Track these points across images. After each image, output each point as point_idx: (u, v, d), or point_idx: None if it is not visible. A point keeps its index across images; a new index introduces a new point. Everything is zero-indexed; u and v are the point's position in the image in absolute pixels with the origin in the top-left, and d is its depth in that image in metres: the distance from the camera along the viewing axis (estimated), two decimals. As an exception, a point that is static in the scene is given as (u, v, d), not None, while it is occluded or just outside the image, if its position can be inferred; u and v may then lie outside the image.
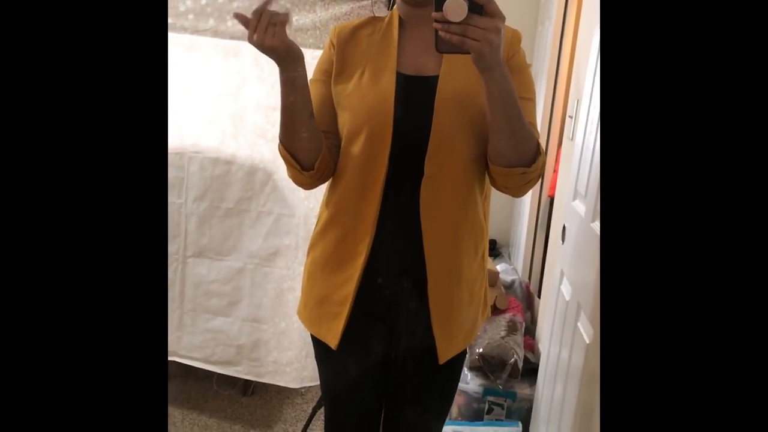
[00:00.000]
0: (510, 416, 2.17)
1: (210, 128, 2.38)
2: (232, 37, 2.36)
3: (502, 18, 0.92)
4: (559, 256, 1.93)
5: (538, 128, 1.35)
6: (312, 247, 1.31)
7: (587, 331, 1.45)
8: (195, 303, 2.41)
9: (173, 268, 2.39)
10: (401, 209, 1.18)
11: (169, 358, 2.42)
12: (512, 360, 2.16)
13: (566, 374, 1.62)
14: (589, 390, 1.35)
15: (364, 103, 1.17)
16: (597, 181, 1.44)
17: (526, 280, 3.03)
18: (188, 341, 2.42)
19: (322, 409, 2.11)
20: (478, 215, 1.22)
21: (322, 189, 1.32)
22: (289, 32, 1.08)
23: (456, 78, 1.15)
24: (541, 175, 1.17)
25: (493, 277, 2.64)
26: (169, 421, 2.35)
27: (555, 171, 2.77)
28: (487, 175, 1.20)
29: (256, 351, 2.38)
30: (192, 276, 2.40)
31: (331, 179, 1.27)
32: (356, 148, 1.18)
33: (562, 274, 1.81)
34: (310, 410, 2.25)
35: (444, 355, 1.23)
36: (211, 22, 2.36)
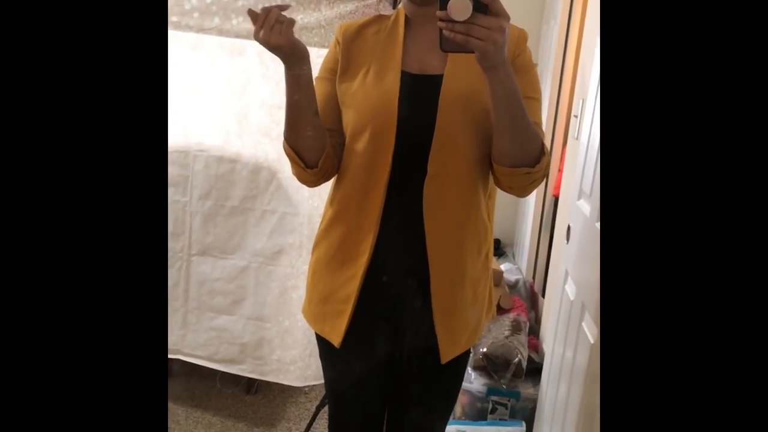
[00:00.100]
0: (514, 416, 2.17)
1: (215, 127, 2.38)
2: (237, 36, 2.36)
3: (507, 17, 0.92)
4: (563, 255, 1.92)
5: (543, 127, 1.35)
6: (316, 245, 1.31)
7: (591, 331, 1.45)
8: (199, 301, 2.41)
9: (177, 267, 2.39)
10: (404, 208, 1.18)
11: (173, 356, 2.43)
12: (516, 360, 2.15)
13: (570, 374, 1.62)
14: (593, 390, 1.35)
15: (369, 102, 1.17)
16: (602, 180, 1.43)
17: (531, 279, 3.03)
18: (192, 339, 2.42)
19: (326, 408, 2.11)
20: (481, 215, 1.22)
21: (327, 188, 1.32)
22: (294, 31, 1.08)
23: (461, 77, 1.15)
24: (546, 175, 1.16)
25: (497, 277, 2.64)
26: (173, 419, 2.36)
27: (560, 170, 2.76)
28: (491, 174, 1.20)
29: (260, 349, 2.38)
30: (196, 274, 2.40)
31: (335, 177, 1.27)
32: (360, 146, 1.18)
33: (566, 273, 1.80)
34: (313, 409, 2.25)
35: (446, 354, 1.23)
36: (216, 20, 2.36)
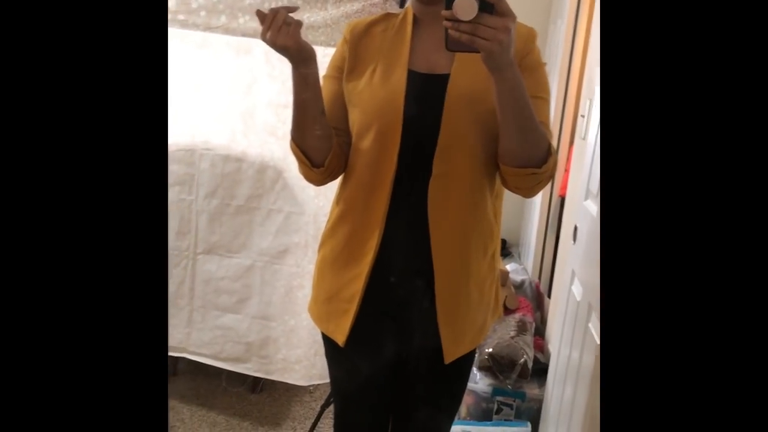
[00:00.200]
0: (519, 416, 2.16)
1: (221, 125, 2.39)
2: (244, 35, 2.36)
3: (513, 17, 0.91)
4: (570, 256, 1.92)
5: (551, 127, 1.34)
6: (322, 243, 1.31)
7: (598, 331, 1.44)
8: (205, 300, 2.41)
9: (183, 265, 2.40)
10: (410, 207, 1.18)
11: (179, 355, 2.43)
12: (522, 360, 2.15)
13: (576, 375, 1.61)
14: (600, 391, 1.34)
15: (375, 101, 1.17)
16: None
17: (536, 280, 3.02)
18: (198, 338, 2.43)
19: (331, 408, 2.11)
20: (487, 215, 1.22)
21: (333, 187, 1.32)
22: (301, 30, 1.09)
23: (467, 76, 1.15)
24: (553, 176, 1.16)
25: (503, 277, 2.63)
26: (178, 417, 2.36)
27: (566, 170, 2.76)
28: (498, 174, 1.20)
29: (266, 348, 2.38)
30: (202, 273, 2.40)
31: (342, 176, 1.27)
32: (366, 145, 1.18)
33: (573, 274, 1.80)
34: (318, 408, 2.25)
35: (450, 354, 1.22)
36: (223, 19, 2.36)
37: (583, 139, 2.10)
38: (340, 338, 1.25)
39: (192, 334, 2.43)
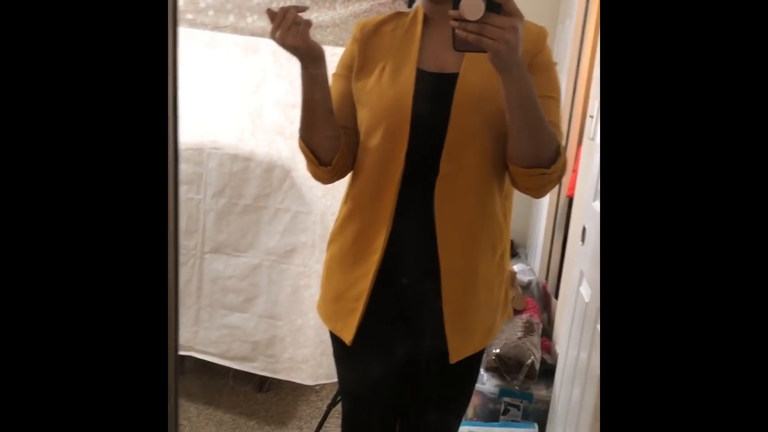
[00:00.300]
0: (526, 417, 2.16)
1: (229, 125, 2.39)
2: (252, 34, 2.36)
3: (520, 17, 0.91)
4: (578, 257, 1.91)
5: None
6: (331, 242, 1.31)
7: (607, 333, 1.43)
8: (212, 299, 2.42)
9: (191, 264, 2.40)
10: (417, 207, 1.18)
11: (186, 353, 2.43)
12: (529, 361, 2.14)
13: (584, 377, 1.60)
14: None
15: (383, 100, 1.17)
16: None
17: (544, 280, 3.01)
18: (205, 336, 2.43)
19: (337, 407, 2.11)
20: (496, 215, 1.21)
21: (340, 187, 1.32)
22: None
23: (477, 76, 1.14)
24: (563, 176, 1.15)
25: (510, 278, 2.62)
26: (185, 416, 2.37)
27: (574, 171, 2.75)
28: (507, 175, 1.19)
29: (272, 347, 2.38)
30: (209, 272, 2.41)
31: (351, 174, 1.27)
32: (374, 143, 1.18)
33: (581, 275, 1.79)
34: (324, 408, 2.24)
35: (456, 354, 1.22)
36: (231, 18, 2.36)
37: (592, 139, 2.09)
38: (347, 337, 1.25)
39: (199, 332, 2.43)
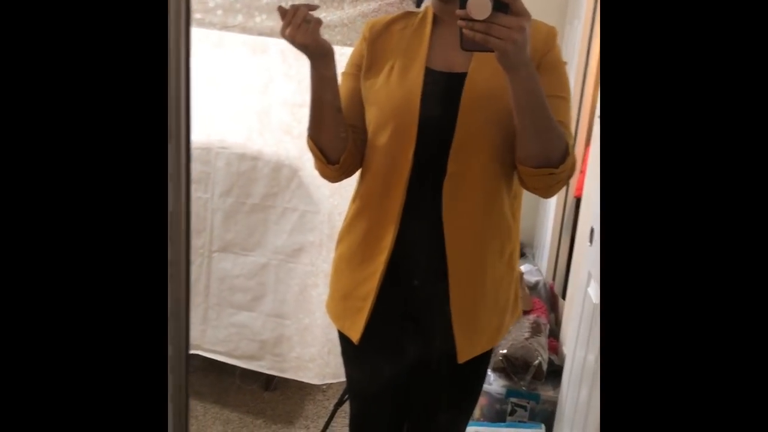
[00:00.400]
0: (533, 418, 2.16)
1: (237, 124, 2.40)
2: (260, 34, 2.36)
3: (528, 16, 0.91)
4: (586, 257, 1.90)
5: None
6: (339, 241, 1.32)
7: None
8: (219, 297, 2.42)
9: (198, 263, 2.41)
10: (425, 206, 1.18)
11: (193, 352, 2.44)
12: (536, 362, 2.14)
13: (592, 378, 1.60)
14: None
15: (391, 98, 1.17)
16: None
17: (551, 281, 3.00)
18: (212, 335, 2.44)
19: (344, 406, 2.11)
20: (504, 215, 1.21)
21: (348, 186, 1.33)
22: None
23: (485, 75, 1.14)
24: (572, 176, 1.15)
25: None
26: (192, 414, 2.37)
27: (582, 171, 2.74)
28: (516, 174, 1.19)
29: (279, 346, 2.39)
30: (217, 270, 2.41)
31: (359, 173, 1.27)
32: (382, 142, 1.18)
33: (589, 276, 1.78)
34: (331, 407, 2.25)
35: (464, 354, 1.22)
36: (240, 18, 2.37)
37: (600, 139, 2.08)
38: (355, 336, 1.25)
39: (207, 331, 2.44)
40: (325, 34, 1.09)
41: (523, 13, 0.91)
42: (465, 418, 1.39)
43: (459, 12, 0.90)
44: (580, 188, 2.72)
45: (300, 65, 2.28)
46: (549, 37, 1.17)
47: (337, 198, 2.33)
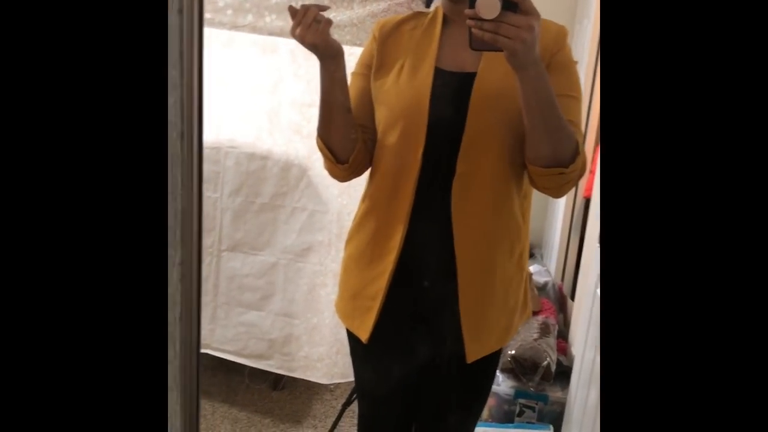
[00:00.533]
0: (541, 419, 2.15)
1: (246, 124, 2.40)
2: (270, 33, 2.37)
3: (537, 15, 0.91)
4: (595, 258, 1.90)
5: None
6: (349, 240, 1.32)
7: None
8: (228, 296, 2.43)
9: (207, 262, 2.42)
10: (434, 205, 1.18)
11: (202, 351, 2.43)
12: (545, 363, 2.13)
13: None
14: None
15: (401, 98, 1.17)
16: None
17: (560, 282, 2.99)
18: (221, 334, 2.45)
19: (352, 406, 2.11)
20: (514, 215, 1.21)
21: (356, 186, 1.33)
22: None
23: (495, 75, 1.14)
24: (582, 175, 1.15)
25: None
26: (200, 413, 2.38)
27: (591, 171, 2.73)
28: (526, 174, 1.19)
29: (288, 345, 2.39)
30: (226, 269, 2.42)
31: (369, 173, 1.27)
32: (391, 142, 1.19)
33: (599, 277, 1.78)
34: (339, 407, 2.25)
35: (473, 354, 1.22)
36: (250, 18, 2.37)
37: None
38: (364, 335, 1.25)
39: (216, 330, 2.45)
40: (335, 33, 1.09)
41: (532, 12, 0.91)
42: (474, 419, 1.39)
43: (468, 11, 0.91)
44: (589, 189, 2.71)
45: (309, 65, 2.28)
46: (559, 37, 1.16)
47: (346, 198, 2.33)
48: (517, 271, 1.25)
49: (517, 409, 2.15)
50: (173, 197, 0.61)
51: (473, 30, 0.91)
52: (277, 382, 2.59)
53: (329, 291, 2.33)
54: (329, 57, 1.12)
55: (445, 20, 1.22)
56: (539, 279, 2.88)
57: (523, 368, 2.15)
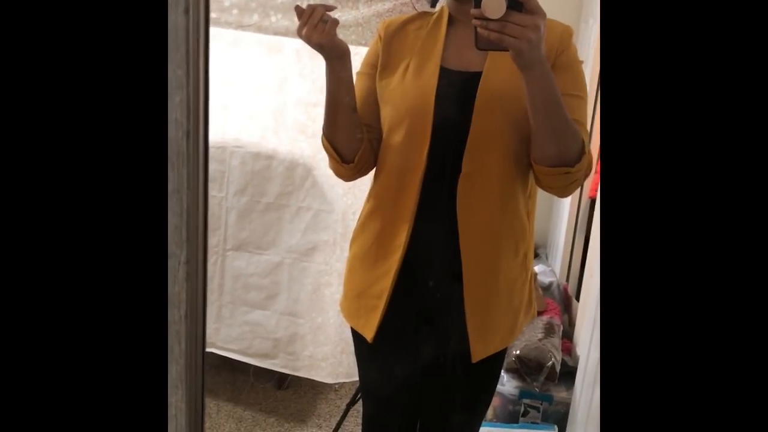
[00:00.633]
0: (546, 419, 2.15)
1: (252, 123, 2.41)
2: (276, 33, 2.37)
3: (543, 15, 0.91)
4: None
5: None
6: (353, 240, 1.32)
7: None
8: (234, 295, 2.44)
9: (213, 261, 2.42)
10: (439, 205, 1.18)
11: (207, 350, 2.44)
12: (550, 363, 2.13)
13: (606, 379, 1.59)
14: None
15: (406, 98, 1.18)
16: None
17: (565, 282, 2.99)
18: (226, 333, 2.45)
19: (356, 406, 2.11)
20: (519, 214, 1.21)
21: (361, 186, 1.33)
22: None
23: (500, 75, 1.14)
24: (588, 175, 1.15)
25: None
26: (205, 412, 2.39)
27: (596, 172, 2.72)
28: (531, 174, 1.19)
29: (293, 345, 2.40)
30: (231, 269, 2.43)
31: (374, 172, 1.28)
32: (396, 141, 1.19)
33: (604, 276, 1.77)
34: (343, 406, 2.25)
35: (478, 353, 1.22)
36: (255, 17, 2.37)
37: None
38: (369, 334, 1.26)
39: (221, 329, 2.46)
40: (340, 33, 1.09)
41: (537, 12, 0.91)
42: (478, 418, 1.39)
43: (474, 11, 0.91)
44: (595, 188, 2.70)
45: (315, 64, 2.28)
46: (564, 36, 1.16)
47: (351, 197, 2.33)
48: (521, 271, 1.25)
49: (522, 410, 2.15)
50: (179, 196, 0.61)
51: (479, 29, 0.92)
52: (282, 381, 2.59)
53: (334, 290, 2.33)
54: (335, 57, 1.13)
55: (451, 20, 1.22)
56: (544, 279, 2.87)
57: (527, 368, 2.14)
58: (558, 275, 3.04)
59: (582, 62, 1.19)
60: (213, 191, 2.38)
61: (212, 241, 2.41)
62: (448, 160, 1.16)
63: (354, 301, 1.30)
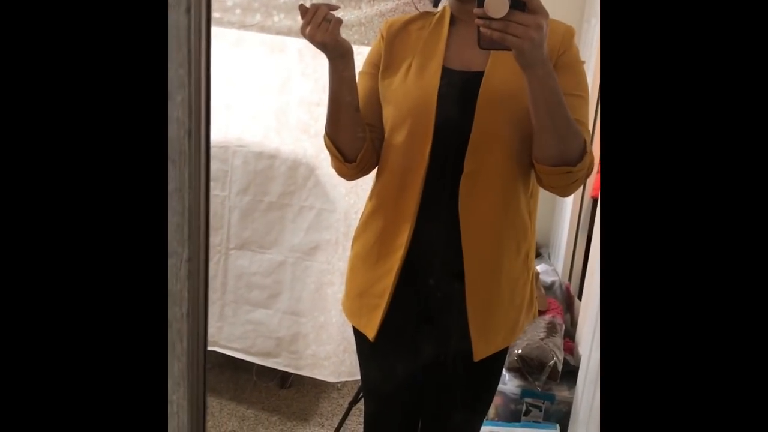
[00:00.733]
0: (548, 418, 2.15)
1: (254, 123, 2.41)
2: (278, 33, 2.38)
3: (545, 14, 0.91)
4: (602, 257, 1.89)
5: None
6: (355, 239, 1.32)
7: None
8: (236, 294, 2.44)
9: (215, 260, 2.43)
10: (441, 204, 1.18)
11: (210, 348, 2.46)
12: (552, 362, 2.13)
13: (608, 378, 1.59)
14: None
15: (408, 97, 1.18)
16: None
17: (567, 281, 2.99)
18: (229, 332, 2.46)
19: (358, 404, 2.12)
20: (521, 213, 1.21)
21: (364, 185, 1.33)
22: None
23: (502, 74, 1.14)
24: (589, 175, 1.15)
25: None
26: (208, 411, 2.39)
27: (598, 171, 2.72)
28: (533, 173, 1.19)
29: (295, 344, 2.40)
30: (234, 268, 2.43)
31: (376, 171, 1.28)
32: (398, 141, 1.19)
33: (605, 276, 1.77)
34: (346, 405, 2.26)
35: (480, 352, 1.22)
36: (258, 17, 2.38)
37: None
38: (371, 333, 1.26)
39: (224, 328, 2.46)
40: (343, 33, 1.09)
41: (540, 11, 0.91)
42: (480, 417, 1.39)
43: (476, 10, 0.91)
44: (596, 188, 2.70)
45: (317, 64, 2.29)
46: (566, 36, 1.17)
47: (353, 197, 2.34)
48: (523, 270, 1.25)
49: (524, 408, 2.15)
50: (180, 195, 0.62)
51: (482, 29, 0.92)
52: (285, 380, 2.60)
53: (336, 289, 2.34)
54: (338, 56, 1.13)
55: (453, 19, 1.22)
56: (546, 278, 2.87)
57: (529, 367, 2.14)
58: (560, 275, 3.04)
59: (584, 62, 1.20)
60: (216, 190, 2.39)
61: (215, 240, 2.42)
62: (450, 159, 1.16)
63: (356, 300, 1.31)
